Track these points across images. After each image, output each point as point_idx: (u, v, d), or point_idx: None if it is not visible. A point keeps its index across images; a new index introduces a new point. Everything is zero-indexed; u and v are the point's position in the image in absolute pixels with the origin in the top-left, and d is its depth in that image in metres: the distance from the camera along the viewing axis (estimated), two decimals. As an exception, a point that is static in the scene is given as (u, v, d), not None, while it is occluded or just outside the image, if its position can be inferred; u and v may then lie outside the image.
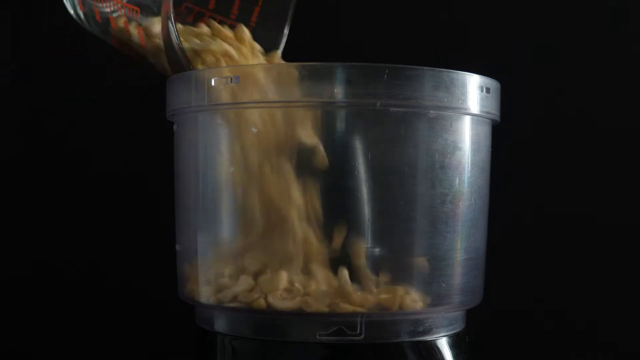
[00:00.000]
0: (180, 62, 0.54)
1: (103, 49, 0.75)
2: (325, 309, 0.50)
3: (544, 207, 0.76)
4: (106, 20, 0.57)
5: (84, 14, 0.58)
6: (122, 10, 0.56)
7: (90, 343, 0.75)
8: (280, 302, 0.50)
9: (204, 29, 0.59)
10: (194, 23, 0.60)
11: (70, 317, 0.75)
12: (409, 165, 0.52)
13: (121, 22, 0.56)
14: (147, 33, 0.55)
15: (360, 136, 0.52)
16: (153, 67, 0.58)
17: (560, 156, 0.76)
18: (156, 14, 0.54)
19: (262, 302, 0.51)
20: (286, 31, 0.62)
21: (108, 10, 0.57)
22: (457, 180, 0.54)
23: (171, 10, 0.51)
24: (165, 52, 0.54)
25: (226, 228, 0.54)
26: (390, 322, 0.52)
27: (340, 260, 0.51)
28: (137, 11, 0.55)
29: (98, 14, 0.57)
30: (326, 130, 0.52)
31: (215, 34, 0.58)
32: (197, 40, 0.56)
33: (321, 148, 0.51)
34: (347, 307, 0.50)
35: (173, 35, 0.52)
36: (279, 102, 0.51)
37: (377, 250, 0.52)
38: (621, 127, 0.77)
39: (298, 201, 0.51)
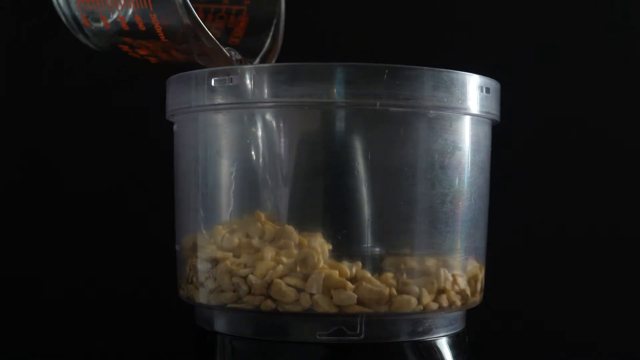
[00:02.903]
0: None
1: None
2: (333, 310, 0.50)
3: (544, 207, 0.76)
4: (116, 23, 0.56)
5: (90, 27, 0.57)
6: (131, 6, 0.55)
7: (90, 343, 0.75)
8: (287, 305, 0.50)
9: None
10: None
11: (70, 317, 0.75)
12: (408, 165, 0.52)
13: (133, 18, 0.55)
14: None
15: (360, 136, 0.52)
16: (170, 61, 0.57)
17: (560, 156, 0.76)
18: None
19: (266, 304, 0.51)
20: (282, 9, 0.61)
21: (115, 13, 0.56)
22: (457, 180, 0.54)
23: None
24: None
25: (226, 228, 0.54)
26: (390, 322, 0.52)
27: (341, 260, 0.51)
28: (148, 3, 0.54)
29: (105, 19, 0.57)
30: (326, 130, 0.52)
31: None
32: None
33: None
34: (354, 307, 0.50)
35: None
36: (279, 102, 0.51)
37: (377, 250, 0.52)
38: (621, 128, 0.77)
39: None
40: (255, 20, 0.61)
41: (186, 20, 0.52)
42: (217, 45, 0.53)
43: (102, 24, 0.56)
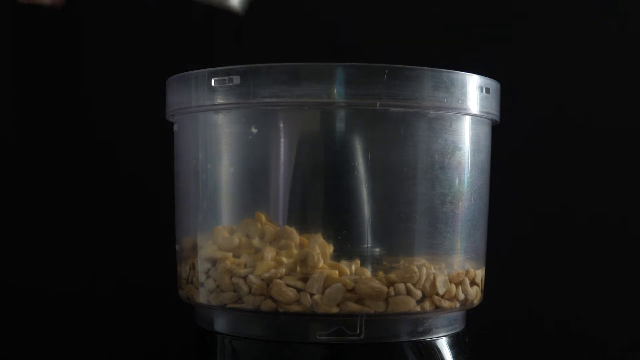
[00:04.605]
0: None
1: (104, 49, 0.76)
2: (334, 310, 0.50)
3: (544, 207, 0.76)
4: None
5: None
6: None
7: (90, 343, 0.75)
8: (287, 305, 0.50)
9: None
10: None
11: (70, 317, 0.75)
12: (408, 165, 0.52)
13: None
14: None
15: (360, 136, 0.52)
16: None
17: (560, 156, 0.76)
18: None
19: (266, 304, 0.51)
20: None
21: None
22: (457, 181, 0.54)
23: None
24: None
25: (226, 229, 0.54)
26: (390, 322, 0.52)
27: (341, 260, 0.51)
28: None
29: None
30: (326, 130, 0.52)
31: None
32: None
33: None
34: (354, 307, 0.50)
35: None
36: (279, 102, 0.51)
37: (377, 250, 0.52)
38: (622, 127, 0.77)
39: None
40: None
41: None
42: None
43: None
